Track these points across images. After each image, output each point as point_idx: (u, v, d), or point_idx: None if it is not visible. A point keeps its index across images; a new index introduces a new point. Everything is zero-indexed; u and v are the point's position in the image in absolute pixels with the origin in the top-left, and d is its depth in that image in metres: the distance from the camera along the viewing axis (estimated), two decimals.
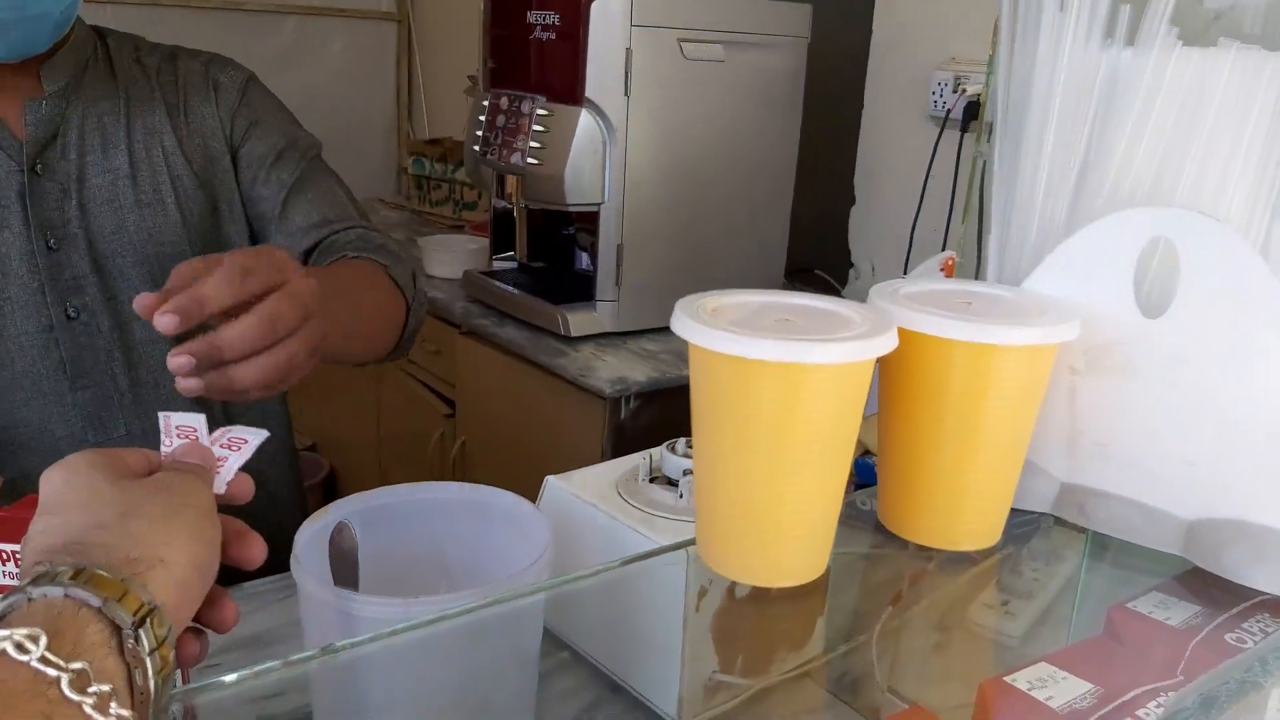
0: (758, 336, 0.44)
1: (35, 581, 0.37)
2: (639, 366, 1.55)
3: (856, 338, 0.45)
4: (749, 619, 0.73)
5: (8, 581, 0.54)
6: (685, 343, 0.47)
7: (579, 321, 1.64)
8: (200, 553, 0.42)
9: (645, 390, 1.51)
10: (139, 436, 1.02)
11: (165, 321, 0.52)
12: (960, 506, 0.55)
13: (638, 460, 0.82)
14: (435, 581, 0.74)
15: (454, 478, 2.00)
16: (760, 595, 0.72)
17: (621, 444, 1.52)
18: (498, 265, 1.92)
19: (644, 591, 0.72)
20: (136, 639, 0.37)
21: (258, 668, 0.47)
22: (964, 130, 1.67)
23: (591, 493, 0.78)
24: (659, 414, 1.54)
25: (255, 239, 1.10)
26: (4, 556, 0.54)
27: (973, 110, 1.65)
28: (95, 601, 0.36)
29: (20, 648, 0.34)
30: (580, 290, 1.69)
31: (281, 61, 2.98)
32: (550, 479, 0.82)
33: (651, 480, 0.80)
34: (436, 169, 2.68)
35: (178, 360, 0.51)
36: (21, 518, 0.57)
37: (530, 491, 0.74)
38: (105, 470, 0.44)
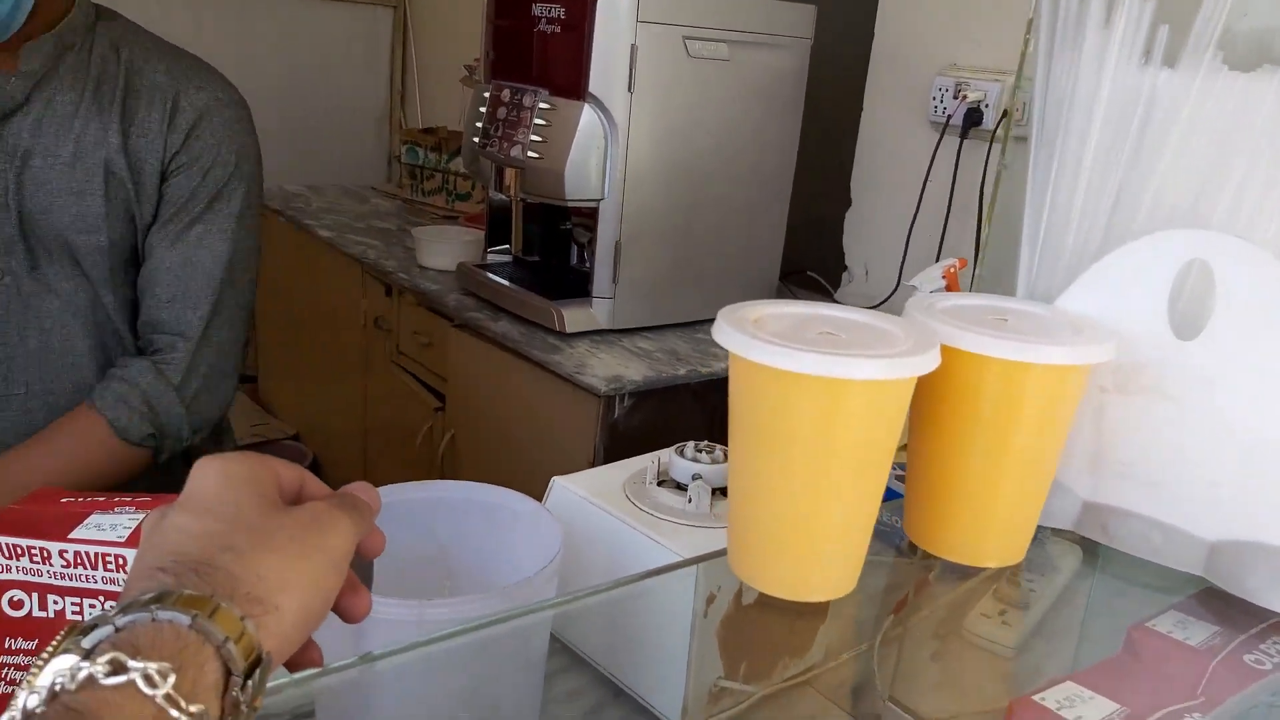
0: (801, 350, 0.44)
1: (160, 599, 0.35)
2: (634, 365, 1.54)
3: (899, 355, 0.45)
4: (755, 626, 0.73)
5: (18, 577, 0.53)
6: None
7: (574, 318, 1.62)
8: (313, 605, 0.41)
9: (640, 389, 1.50)
10: (38, 394, 1.05)
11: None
12: (987, 523, 0.55)
13: (645, 462, 0.82)
14: (441, 582, 0.73)
15: (442, 472, 1.99)
16: (766, 603, 0.71)
17: (614, 443, 1.51)
18: (492, 258, 1.90)
19: (651, 598, 0.72)
20: (243, 687, 0.36)
21: (276, 681, 0.46)
22: (964, 136, 1.67)
23: (599, 495, 0.78)
24: (653, 414, 1.53)
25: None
26: (17, 551, 0.53)
27: (974, 116, 1.65)
28: (217, 639, 0.35)
29: (149, 680, 0.33)
30: (576, 286, 1.68)
31: (276, 45, 2.94)
32: (557, 480, 0.81)
33: (660, 484, 0.79)
34: (430, 158, 2.65)
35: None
36: (31, 511, 0.56)
37: (521, 489, 0.73)
38: (258, 488, 0.43)
